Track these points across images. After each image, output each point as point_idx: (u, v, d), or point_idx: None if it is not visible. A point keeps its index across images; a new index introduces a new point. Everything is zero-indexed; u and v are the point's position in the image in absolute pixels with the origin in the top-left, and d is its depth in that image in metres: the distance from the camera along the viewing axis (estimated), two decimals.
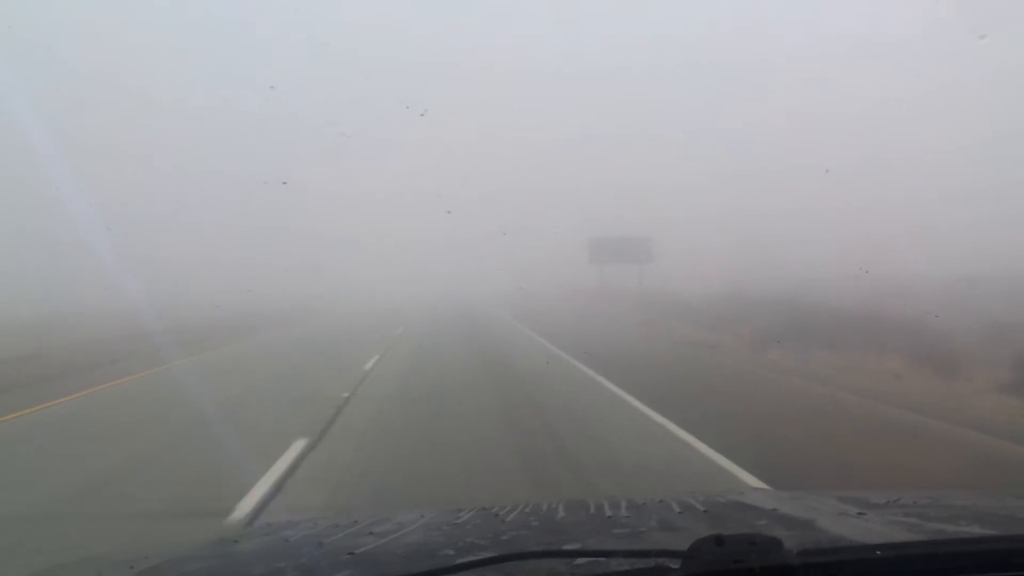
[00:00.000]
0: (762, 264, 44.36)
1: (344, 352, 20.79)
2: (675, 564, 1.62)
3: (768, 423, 9.81)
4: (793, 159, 68.06)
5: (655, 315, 30.63)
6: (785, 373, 14.83)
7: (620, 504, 2.43)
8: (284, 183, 66.47)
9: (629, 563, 1.69)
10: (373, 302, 53.73)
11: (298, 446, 8.48)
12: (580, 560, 1.74)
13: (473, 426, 9.73)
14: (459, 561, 1.76)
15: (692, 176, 75.01)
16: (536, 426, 9.71)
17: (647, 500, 2.48)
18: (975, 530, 2.06)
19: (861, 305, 21.01)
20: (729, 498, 2.65)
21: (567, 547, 1.91)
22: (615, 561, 1.73)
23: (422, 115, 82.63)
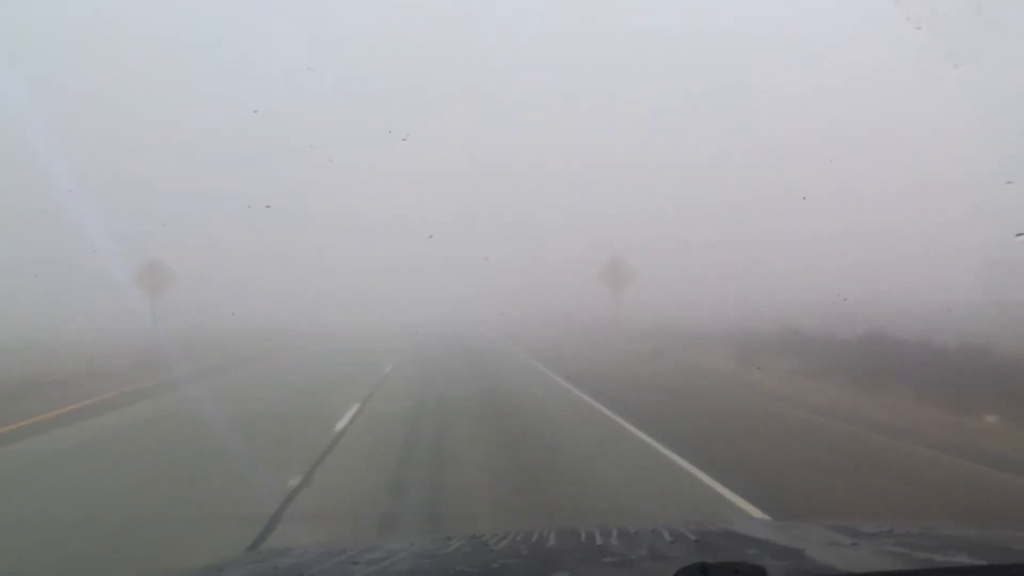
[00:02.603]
0: (749, 294, 44.38)
1: (313, 402, 15.44)
2: None
3: None
4: (773, 187, 68.61)
5: (712, 354, 23.43)
6: None
7: (611, 532, 2.42)
8: (267, 207, 66.09)
9: None
10: (356, 329, 50.03)
11: None
12: None
13: None
14: None
15: (668, 203, 75.52)
16: None
17: (639, 529, 2.47)
18: (964, 560, 2.07)
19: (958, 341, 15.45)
20: (721, 527, 2.65)
21: (556, 574, 1.90)
22: None
23: (404, 140, 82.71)
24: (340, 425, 11.75)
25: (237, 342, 34.88)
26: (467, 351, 30.63)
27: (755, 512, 6.59)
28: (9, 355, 24.56)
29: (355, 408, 13.62)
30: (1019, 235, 11.91)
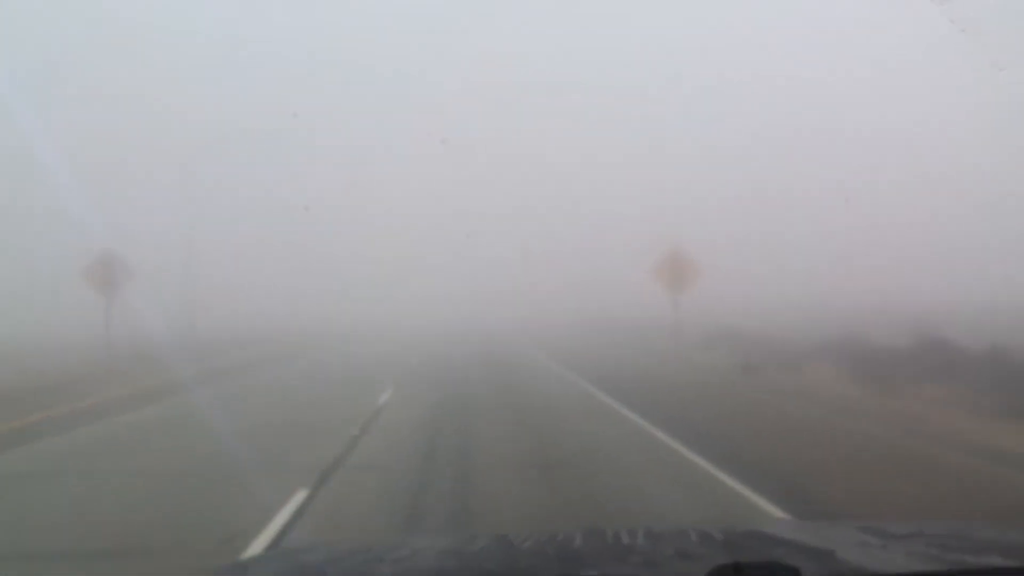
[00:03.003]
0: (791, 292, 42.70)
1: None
2: None
3: None
4: (809, 184, 67.22)
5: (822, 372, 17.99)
6: None
7: (638, 533, 2.40)
8: (306, 208, 66.58)
9: None
10: (367, 336, 45.27)
11: None
12: None
13: None
14: None
15: (725, 193, 73.71)
16: None
17: (665, 530, 2.45)
18: (996, 560, 2.03)
19: None
20: (748, 528, 2.62)
21: (584, 573, 1.90)
22: None
23: (443, 142, 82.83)
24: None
25: (219, 349, 29.90)
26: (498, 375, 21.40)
27: None
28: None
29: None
30: None
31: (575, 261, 62.57)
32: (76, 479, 8.59)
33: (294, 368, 24.91)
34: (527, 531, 2.46)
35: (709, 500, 7.39)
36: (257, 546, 5.79)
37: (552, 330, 44.16)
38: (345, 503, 7.35)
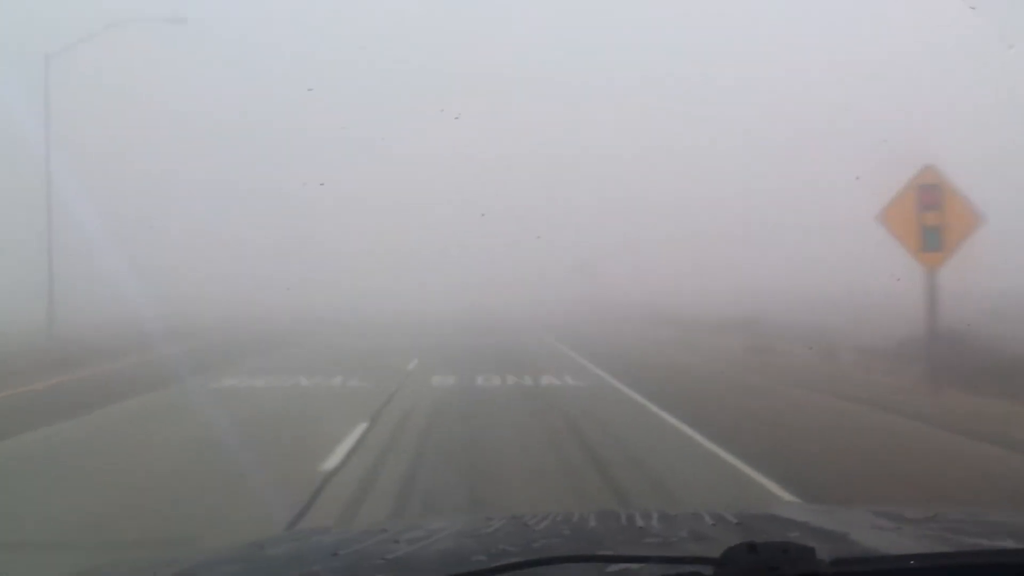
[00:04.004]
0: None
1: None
2: (708, 571, 1.62)
3: None
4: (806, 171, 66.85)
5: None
6: None
7: (652, 515, 2.42)
8: (321, 184, 65.75)
9: (662, 569, 1.69)
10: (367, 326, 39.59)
11: None
12: (613, 567, 1.74)
13: None
14: (492, 565, 1.77)
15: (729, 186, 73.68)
16: None
17: (679, 512, 2.47)
18: (1012, 544, 2.04)
19: None
20: (762, 511, 2.64)
21: (600, 553, 1.91)
22: (648, 568, 1.73)
23: (456, 119, 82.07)
24: None
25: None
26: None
27: None
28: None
29: None
30: None
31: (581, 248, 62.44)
32: None
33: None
34: (542, 512, 2.48)
35: None
36: None
37: (570, 319, 43.20)
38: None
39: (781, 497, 6.76)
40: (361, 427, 10.32)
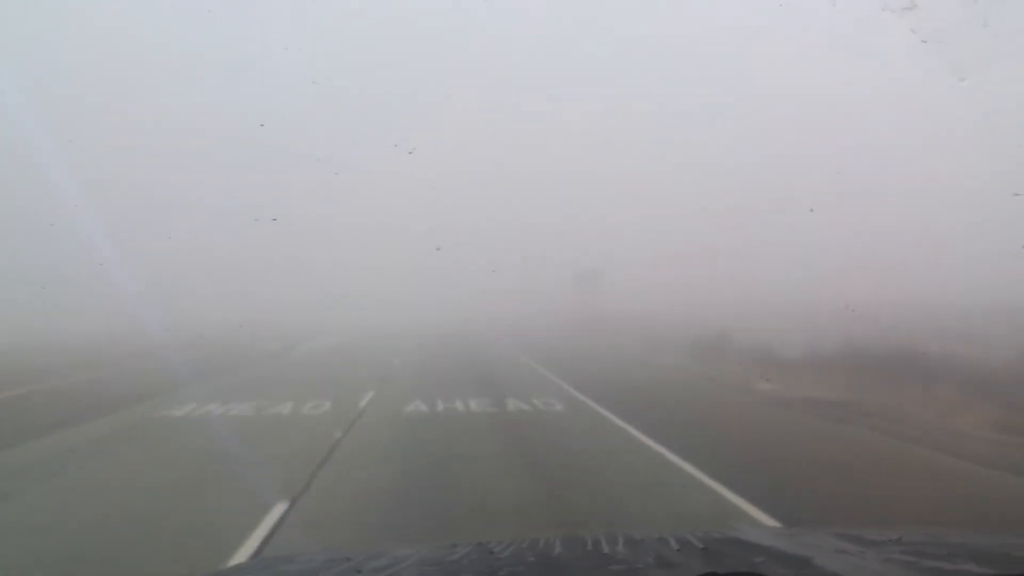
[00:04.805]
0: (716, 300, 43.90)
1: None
2: None
3: None
4: (773, 197, 68.33)
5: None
6: None
7: (618, 539, 2.41)
8: (274, 219, 66.47)
9: None
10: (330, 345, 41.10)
11: None
12: None
13: None
14: None
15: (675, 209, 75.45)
16: None
17: (645, 536, 2.46)
18: (972, 568, 2.05)
19: None
20: (728, 535, 2.63)
21: None
22: None
23: (410, 153, 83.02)
24: None
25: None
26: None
27: None
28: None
29: None
30: None
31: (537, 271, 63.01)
32: None
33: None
34: (507, 539, 2.45)
35: None
36: None
37: (531, 337, 44.34)
38: None
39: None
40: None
